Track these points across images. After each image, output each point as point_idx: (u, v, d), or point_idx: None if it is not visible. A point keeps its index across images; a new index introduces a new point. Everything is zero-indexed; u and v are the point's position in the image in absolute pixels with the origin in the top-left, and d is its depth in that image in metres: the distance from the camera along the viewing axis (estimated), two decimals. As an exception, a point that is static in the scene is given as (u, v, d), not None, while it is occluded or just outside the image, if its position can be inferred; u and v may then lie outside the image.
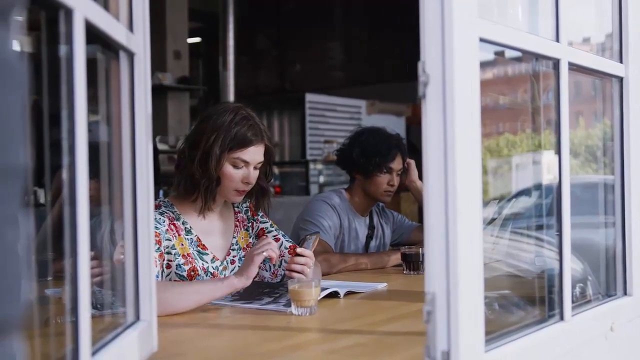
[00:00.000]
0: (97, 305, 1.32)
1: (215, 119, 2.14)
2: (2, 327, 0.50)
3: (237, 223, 2.34)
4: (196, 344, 1.61)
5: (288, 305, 1.87)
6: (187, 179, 2.17)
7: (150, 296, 1.37)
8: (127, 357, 1.22)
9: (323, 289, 1.99)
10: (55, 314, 1.43)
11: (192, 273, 2.14)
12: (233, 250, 2.30)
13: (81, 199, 0.99)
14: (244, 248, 2.32)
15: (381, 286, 2.31)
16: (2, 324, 0.50)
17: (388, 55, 8.95)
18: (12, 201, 0.51)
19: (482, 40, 1.23)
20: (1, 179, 0.49)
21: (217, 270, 2.21)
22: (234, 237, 2.31)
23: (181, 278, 2.12)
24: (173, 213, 2.19)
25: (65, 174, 0.98)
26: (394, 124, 6.35)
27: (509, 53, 1.49)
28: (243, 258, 2.29)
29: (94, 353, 1.05)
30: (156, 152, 3.74)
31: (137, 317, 1.34)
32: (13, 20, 0.55)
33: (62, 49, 0.98)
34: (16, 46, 0.54)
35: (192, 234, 2.20)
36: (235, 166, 2.16)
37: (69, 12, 0.97)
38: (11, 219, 0.51)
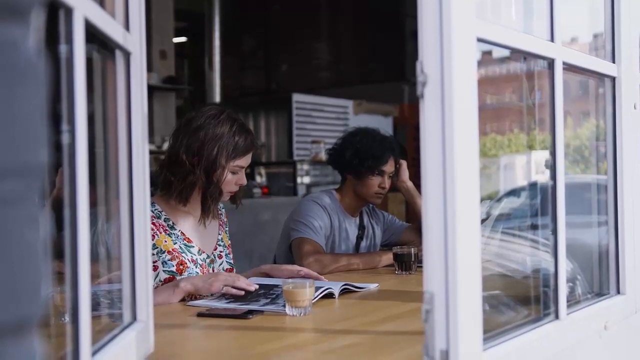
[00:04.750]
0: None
1: (213, 129, 2.19)
2: (26, 325, 0.50)
3: (221, 222, 2.41)
4: (192, 344, 1.60)
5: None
6: (188, 187, 2.19)
7: (147, 297, 1.36)
8: (125, 358, 1.22)
9: (318, 289, 1.99)
10: (50, 314, 1.42)
11: (181, 267, 2.17)
12: (219, 245, 2.35)
13: (81, 199, 0.98)
14: (227, 246, 2.40)
15: (373, 286, 2.31)
16: (26, 322, 0.50)
17: (375, 56, 8.98)
18: (33, 200, 0.51)
19: (479, 40, 1.23)
20: (23, 178, 0.49)
21: (205, 262, 2.24)
22: (219, 234, 2.38)
23: (170, 274, 2.13)
24: (154, 211, 2.20)
25: (65, 174, 0.97)
26: (381, 124, 6.35)
27: (497, 52, 1.50)
28: (229, 255, 2.38)
29: (93, 354, 1.04)
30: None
31: (134, 318, 1.33)
32: (33, 20, 0.54)
33: (62, 48, 0.97)
34: (36, 45, 0.54)
35: (175, 229, 2.23)
36: (234, 172, 2.24)
37: (69, 11, 0.96)
38: (32, 219, 0.51)
